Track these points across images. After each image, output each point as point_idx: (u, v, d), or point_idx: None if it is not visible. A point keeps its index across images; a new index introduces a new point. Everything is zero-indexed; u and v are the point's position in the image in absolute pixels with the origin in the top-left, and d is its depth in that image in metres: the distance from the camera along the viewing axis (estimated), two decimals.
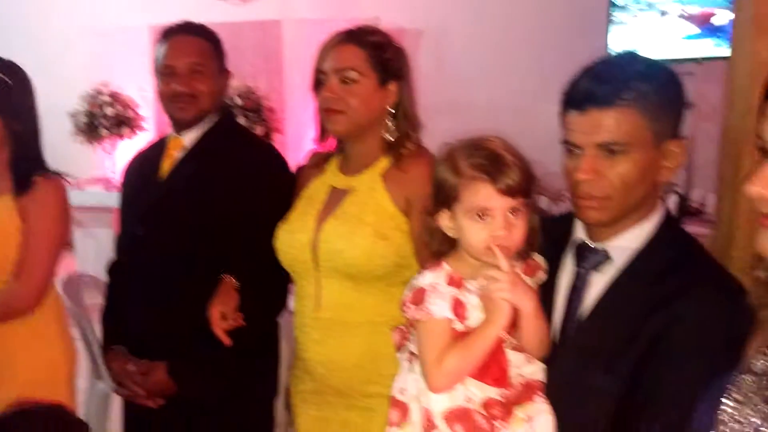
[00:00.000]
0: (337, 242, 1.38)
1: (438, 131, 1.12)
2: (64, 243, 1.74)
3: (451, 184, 1.05)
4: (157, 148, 1.77)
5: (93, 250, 2.82)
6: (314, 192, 1.50)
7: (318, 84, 1.44)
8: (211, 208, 1.62)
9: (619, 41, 4.05)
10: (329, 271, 1.41)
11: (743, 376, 0.86)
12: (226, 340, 1.48)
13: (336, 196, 1.46)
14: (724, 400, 0.85)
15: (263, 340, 1.68)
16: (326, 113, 1.43)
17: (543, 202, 4.27)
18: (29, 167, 1.68)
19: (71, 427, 1.15)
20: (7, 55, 1.73)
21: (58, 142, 2.25)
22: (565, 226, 1.18)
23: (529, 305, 1.03)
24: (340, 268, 1.39)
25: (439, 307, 1.04)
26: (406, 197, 1.38)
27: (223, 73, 1.74)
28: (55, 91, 2.79)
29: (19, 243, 1.64)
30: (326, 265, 1.41)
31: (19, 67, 1.72)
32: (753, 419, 0.80)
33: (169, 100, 1.68)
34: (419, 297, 1.05)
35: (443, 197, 1.07)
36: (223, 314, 1.48)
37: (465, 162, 1.04)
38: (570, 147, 1.08)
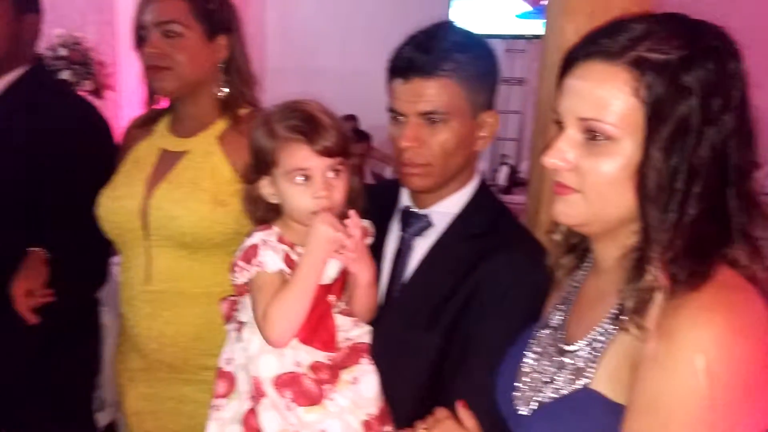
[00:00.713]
0: (172, 209, 1.30)
1: (284, 96, 1.10)
2: None
3: (269, 148, 1.05)
4: None
5: None
6: (142, 155, 1.40)
7: (140, 40, 1.35)
8: (18, 169, 1.47)
9: (459, 14, 4.22)
10: (161, 240, 1.33)
11: (542, 330, 0.95)
12: (32, 319, 1.37)
13: (167, 160, 1.37)
14: (525, 352, 0.94)
15: (80, 317, 1.58)
16: (151, 71, 1.34)
17: (387, 169, 4.38)
18: None
19: None
20: None
21: None
22: (392, 193, 1.22)
23: (368, 274, 1.06)
24: (174, 237, 1.31)
25: (271, 259, 1.03)
26: (245, 161, 1.35)
27: (25, 15, 1.55)
28: None
29: None
30: (158, 234, 1.32)
31: None
32: (549, 368, 0.89)
33: None
34: (251, 253, 1.04)
35: (262, 163, 1.06)
36: (28, 291, 1.37)
37: (281, 125, 1.04)
38: (395, 115, 1.10)
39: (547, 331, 0.95)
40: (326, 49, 4.39)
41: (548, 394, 0.87)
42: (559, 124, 0.84)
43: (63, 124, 1.52)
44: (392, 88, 1.10)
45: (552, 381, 0.87)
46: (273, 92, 1.41)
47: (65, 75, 3.57)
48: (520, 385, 0.92)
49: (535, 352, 0.94)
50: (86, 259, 1.50)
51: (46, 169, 1.47)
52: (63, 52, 3.71)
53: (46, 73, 1.70)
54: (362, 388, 1.07)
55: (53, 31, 3.31)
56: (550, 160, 0.83)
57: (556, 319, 0.95)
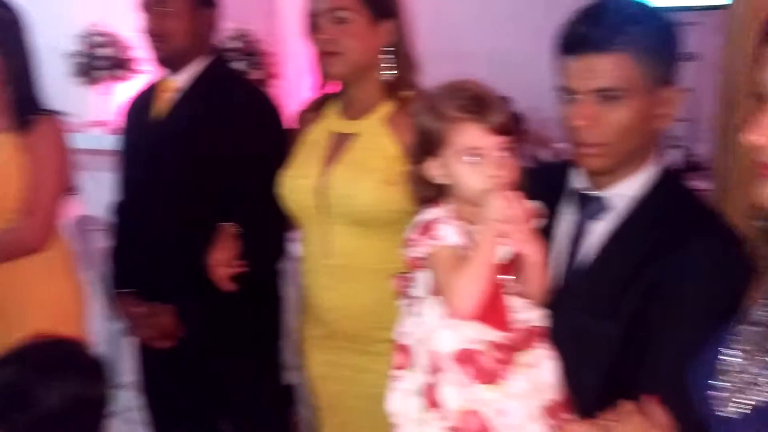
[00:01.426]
0: (346, 188, 1.38)
1: (437, 79, 1.11)
2: (66, 182, 1.76)
3: (437, 129, 1.05)
4: (151, 91, 1.78)
5: (96, 193, 2.83)
6: (315, 137, 1.50)
7: (311, 27, 1.43)
8: (206, 152, 1.63)
9: None
10: (338, 217, 1.40)
11: (743, 326, 0.87)
12: (228, 286, 1.51)
13: (339, 142, 1.45)
14: (724, 350, 0.87)
15: (265, 286, 1.71)
16: (323, 57, 1.42)
17: (542, 151, 4.27)
18: (28, 106, 1.69)
19: (88, 360, 1.19)
20: None
21: (57, 84, 2.23)
22: (560, 175, 1.20)
23: (537, 253, 1.04)
24: (349, 214, 1.39)
25: (450, 233, 1.04)
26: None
27: (203, 10, 1.69)
28: (49, 31, 2.75)
29: (21, 181, 1.66)
30: (335, 211, 1.40)
31: (12, 2, 1.70)
32: (753, 369, 0.82)
33: (145, 39, 1.69)
34: (429, 228, 1.06)
35: (429, 145, 1.07)
36: (223, 261, 1.50)
37: (449, 105, 1.04)
38: (566, 93, 1.08)
39: (751, 328, 0.86)
40: (476, 32, 4.34)
41: (757, 397, 0.81)
42: (761, 98, 0.78)
43: (244, 110, 1.67)
44: (563, 65, 1.07)
45: (756, 383, 0.81)
46: (426, 76, 1.45)
47: (238, 65, 3.83)
48: (720, 383, 0.86)
49: (737, 349, 0.86)
50: (268, 234, 1.63)
51: (232, 152, 1.61)
52: (234, 44, 4.00)
53: (225, 65, 1.87)
54: (541, 372, 1.06)
55: (225, 24, 3.62)
56: (754, 137, 0.77)
57: (761, 314, 0.87)
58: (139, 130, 1.75)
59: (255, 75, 3.98)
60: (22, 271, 1.69)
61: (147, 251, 1.69)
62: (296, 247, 1.61)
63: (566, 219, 1.16)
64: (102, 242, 2.21)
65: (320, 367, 1.51)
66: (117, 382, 1.37)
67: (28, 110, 1.68)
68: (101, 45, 4.14)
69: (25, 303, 1.70)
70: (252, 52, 4.14)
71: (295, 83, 4.37)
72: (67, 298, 1.78)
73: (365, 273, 1.40)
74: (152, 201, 1.68)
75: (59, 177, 1.72)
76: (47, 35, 2.25)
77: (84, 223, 2.54)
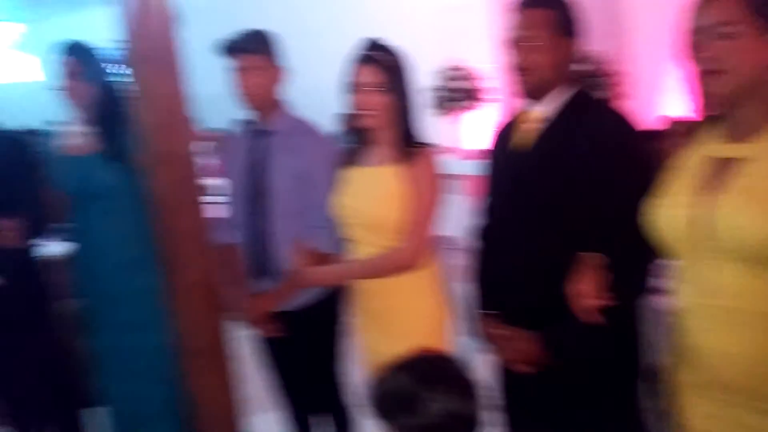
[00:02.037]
0: (736, 219, 1.24)
1: None
2: (439, 207, 1.93)
3: None
4: (512, 122, 1.85)
5: (450, 214, 3.07)
6: (688, 163, 1.38)
7: (694, 45, 1.31)
8: (576, 180, 1.62)
9: None
10: (724, 252, 1.27)
11: None
12: (594, 318, 1.48)
13: (722, 168, 1.31)
14: None
15: (626, 320, 1.64)
16: (705, 76, 1.29)
17: None
18: (410, 140, 1.90)
19: (467, 378, 1.27)
20: (368, 33, 1.95)
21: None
22: None
23: None
24: (738, 249, 1.24)
25: None
26: None
27: (566, 41, 1.70)
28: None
29: (401, 207, 1.87)
30: (721, 246, 1.27)
31: (396, 47, 1.93)
32: None
33: (511, 72, 1.74)
34: None
35: None
36: (588, 292, 1.48)
37: None
38: None
39: None
40: None
41: None
42: None
43: (613, 138, 1.63)
44: None
45: None
46: None
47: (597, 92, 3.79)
48: None
49: None
50: (636, 266, 1.56)
51: (601, 180, 1.59)
52: (584, 66, 3.96)
53: (588, 92, 1.85)
54: None
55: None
56: None
57: None
58: (503, 160, 1.83)
59: (603, 95, 3.89)
60: (398, 287, 1.91)
61: (509, 275, 1.76)
62: (660, 281, 1.51)
63: None
64: (456, 261, 2.37)
65: (702, 420, 1.37)
66: (488, 404, 1.43)
67: (410, 143, 1.89)
68: (456, 78, 4.51)
69: (401, 315, 1.91)
70: (599, 73, 4.07)
71: (644, 103, 4.15)
72: (434, 313, 1.94)
73: (756, 317, 1.24)
74: (516, 227, 1.74)
75: (434, 203, 1.90)
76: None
77: (440, 242, 2.75)
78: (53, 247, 2.82)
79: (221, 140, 6.74)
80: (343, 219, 1.98)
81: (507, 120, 1.95)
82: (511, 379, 1.82)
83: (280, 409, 2.47)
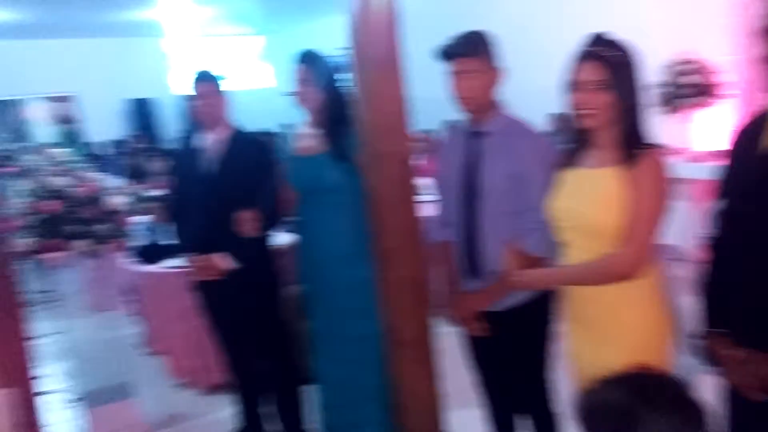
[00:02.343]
0: None
1: None
2: (663, 213, 1.79)
3: None
4: (759, 121, 1.64)
5: (673, 223, 2.84)
6: None
7: None
8: None
9: None
10: None
11: None
12: None
13: None
14: None
15: None
16: None
17: None
18: (635, 141, 1.78)
19: (691, 401, 1.17)
20: (590, 28, 1.85)
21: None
22: None
23: None
24: None
25: None
26: None
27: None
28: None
29: (621, 212, 1.76)
30: None
31: (623, 41, 1.82)
32: None
33: (759, 65, 1.54)
34: None
35: None
36: None
37: None
38: None
39: None
40: None
41: None
42: None
43: None
44: None
45: None
46: None
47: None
48: None
49: None
50: None
51: None
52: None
53: None
54: None
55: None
56: None
57: None
58: (747, 163, 1.64)
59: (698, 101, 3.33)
60: (614, 296, 1.80)
61: (743, 291, 1.58)
62: None
63: None
64: (680, 272, 2.17)
65: None
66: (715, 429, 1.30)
67: (634, 144, 1.78)
68: (687, 73, 4.14)
69: (616, 327, 1.80)
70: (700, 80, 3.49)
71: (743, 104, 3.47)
72: (653, 327, 1.81)
73: None
74: (757, 238, 1.56)
75: (657, 209, 1.76)
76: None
77: (663, 251, 2.55)
78: (281, 238, 3.11)
79: (432, 142, 6.97)
80: (557, 222, 1.92)
81: (752, 118, 1.74)
82: (740, 407, 1.64)
83: (482, 407, 2.47)
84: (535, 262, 2.01)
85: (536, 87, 5.54)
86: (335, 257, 2.60)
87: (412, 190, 2.22)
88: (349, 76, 2.34)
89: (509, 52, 2.28)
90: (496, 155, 2.15)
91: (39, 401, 2.87)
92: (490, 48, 2.16)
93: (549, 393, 2.32)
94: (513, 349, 2.25)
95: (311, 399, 2.93)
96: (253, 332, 2.93)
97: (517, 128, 2.18)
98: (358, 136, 2.29)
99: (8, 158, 6.95)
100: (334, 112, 2.57)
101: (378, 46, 2.07)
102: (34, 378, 2.87)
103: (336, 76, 2.61)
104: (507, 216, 2.12)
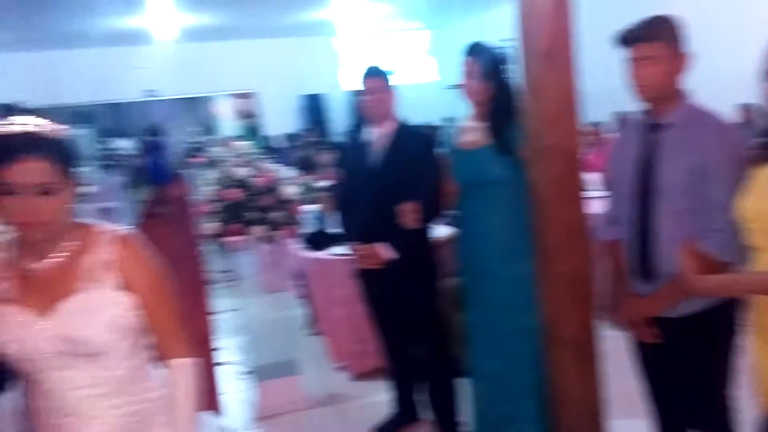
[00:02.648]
0: None
1: None
2: None
3: None
4: None
5: None
6: None
7: None
8: None
9: None
10: None
11: None
12: None
13: None
14: None
15: None
16: None
17: None
18: None
19: None
20: None
21: None
22: None
23: None
24: None
25: None
26: None
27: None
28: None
29: None
30: None
31: None
32: None
33: None
34: None
35: None
36: None
37: None
38: None
39: None
40: None
41: None
42: None
43: None
44: None
45: None
46: None
47: None
48: None
49: None
50: None
51: None
52: None
53: None
54: None
55: None
56: None
57: None
58: None
59: None
60: None
61: None
62: None
63: None
64: None
65: None
66: None
67: None
68: None
69: None
70: None
71: None
72: None
73: None
74: None
75: None
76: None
77: None
78: (440, 230, 3.12)
79: (601, 135, 6.63)
80: (747, 223, 1.74)
81: None
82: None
83: (650, 418, 2.32)
84: (717, 267, 1.84)
85: (726, 75, 5.06)
86: (495, 251, 2.58)
87: (579, 186, 2.13)
88: (516, 67, 2.29)
89: (697, 37, 2.10)
90: (676, 148, 1.99)
91: (218, 371, 3.15)
92: (674, 32, 2.00)
93: (729, 411, 2.12)
94: (687, 360, 2.08)
95: (464, 391, 2.93)
96: (410, 321, 2.98)
97: (702, 119, 2.00)
98: (523, 129, 2.23)
99: (198, 150, 7.67)
100: (499, 105, 2.54)
101: (546, 36, 2.01)
102: (215, 349, 3.15)
103: (502, 67, 2.57)
104: (686, 214, 1.96)
